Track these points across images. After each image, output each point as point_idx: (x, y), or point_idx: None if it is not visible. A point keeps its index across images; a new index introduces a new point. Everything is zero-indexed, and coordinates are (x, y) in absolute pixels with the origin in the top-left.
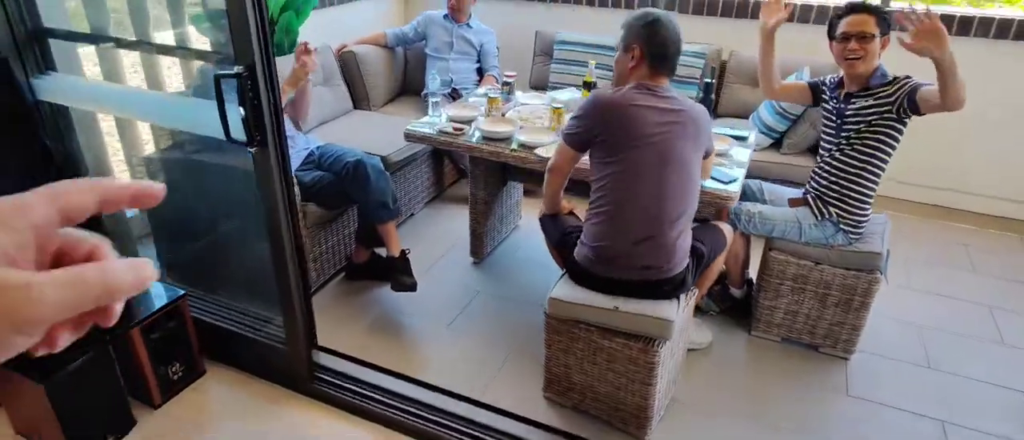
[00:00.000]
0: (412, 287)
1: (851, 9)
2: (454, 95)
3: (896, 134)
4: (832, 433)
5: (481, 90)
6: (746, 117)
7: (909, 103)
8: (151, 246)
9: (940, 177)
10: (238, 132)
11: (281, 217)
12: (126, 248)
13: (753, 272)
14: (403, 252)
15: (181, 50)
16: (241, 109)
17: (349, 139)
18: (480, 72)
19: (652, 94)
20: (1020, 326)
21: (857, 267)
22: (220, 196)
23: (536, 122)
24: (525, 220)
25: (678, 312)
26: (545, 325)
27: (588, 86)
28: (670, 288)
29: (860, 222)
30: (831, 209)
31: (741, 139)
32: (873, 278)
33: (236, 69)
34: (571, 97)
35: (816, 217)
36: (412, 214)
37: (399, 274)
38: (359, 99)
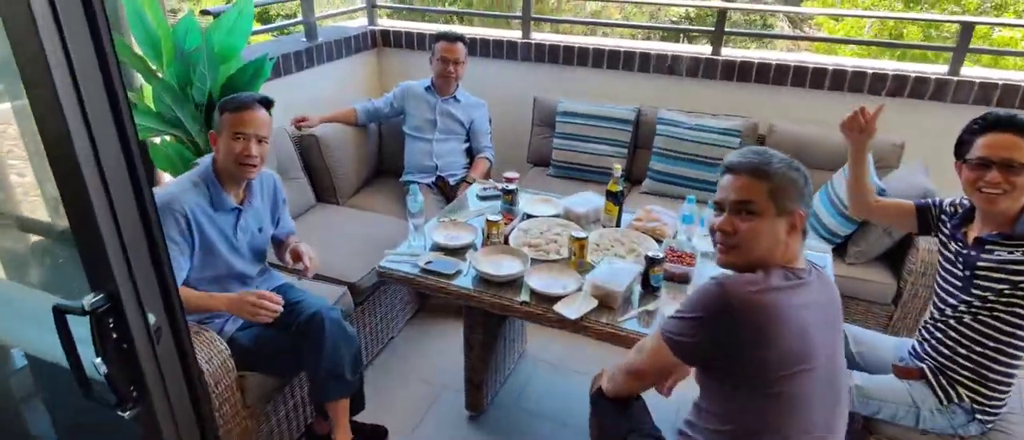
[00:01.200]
0: None
1: (995, 124)
2: (441, 185)
3: None
4: None
5: (475, 189)
6: None
7: None
8: (40, 411)
9: None
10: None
11: None
12: (6, 410)
13: None
14: None
15: None
16: (99, 360)
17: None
18: (470, 152)
19: (801, 283)
20: None
21: None
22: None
23: (549, 248)
24: (533, 346)
25: None
26: None
27: (613, 197)
28: None
29: (1000, 407)
30: (961, 391)
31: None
32: None
33: (87, 301)
34: (591, 207)
35: (940, 400)
36: (391, 338)
37: None
38: (323, 190)
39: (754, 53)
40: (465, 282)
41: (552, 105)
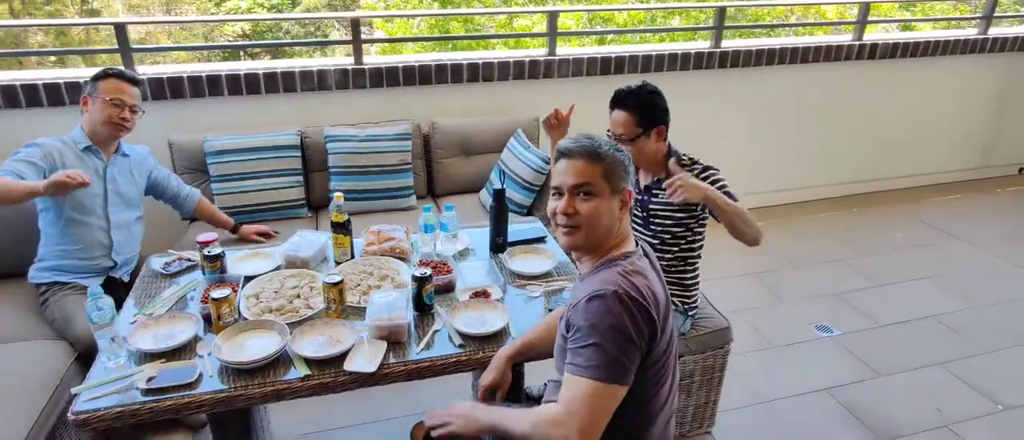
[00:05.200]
0: None
1: (612, 103)
2: (120, 291)
3: (706, 216)
4: None
5: (154, 267)
6: (469, 192)
7: (712, 209)
8: None
9: None
10: None
11: None
12: None
13: None
14: None
15: None
16: None
17: None
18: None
19: (645, 258)
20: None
21: (713, 347)
22: None
23: (296, 306)
24: (280, 424)
25: None
26: None
27: (341, 228)
28: None
29: (696, 301)
30: (675, 300)
31: (541, 240)
32: (726, 350)
33: None
34: (316, 247)
35: None
36: None
37: None
38: None
39: (396, 58)
40: (214, 384)
41: (196, 146)
